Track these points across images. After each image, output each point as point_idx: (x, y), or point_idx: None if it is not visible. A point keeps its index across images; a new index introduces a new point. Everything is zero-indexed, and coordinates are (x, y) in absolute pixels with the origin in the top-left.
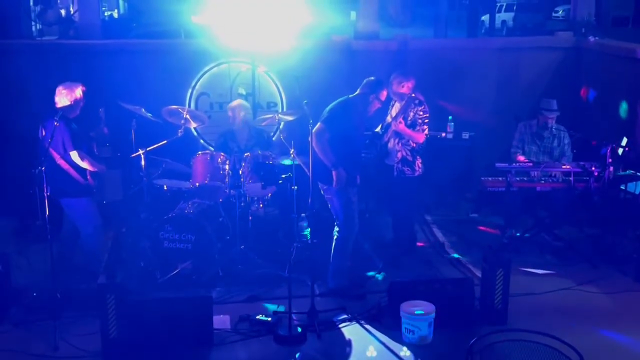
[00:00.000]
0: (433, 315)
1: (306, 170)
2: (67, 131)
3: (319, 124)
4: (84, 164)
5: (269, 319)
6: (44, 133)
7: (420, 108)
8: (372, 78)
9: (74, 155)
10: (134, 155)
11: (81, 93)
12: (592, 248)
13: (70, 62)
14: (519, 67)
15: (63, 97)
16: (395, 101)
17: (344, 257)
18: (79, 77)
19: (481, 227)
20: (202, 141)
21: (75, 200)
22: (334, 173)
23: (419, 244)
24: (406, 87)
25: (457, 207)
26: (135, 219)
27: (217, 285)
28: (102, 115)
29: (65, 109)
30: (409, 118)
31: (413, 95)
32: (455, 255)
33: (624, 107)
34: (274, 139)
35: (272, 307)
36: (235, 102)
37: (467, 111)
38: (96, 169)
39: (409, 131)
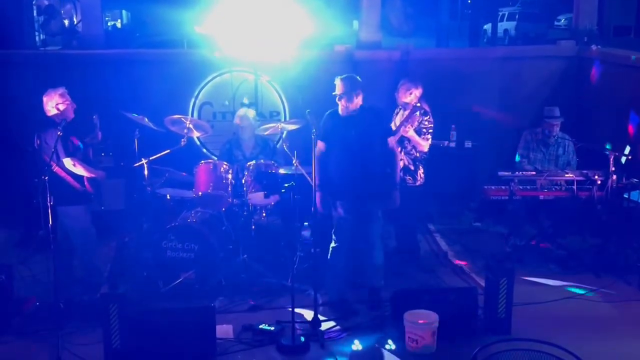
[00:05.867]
0: (436, 324)
1: (309, 179)
2: (59, 139)
3: (318, 141)
4: (78, 170)
5: (272, 328)
6: (38, 142)
7: (425, 118)
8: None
9: (67, 162)
10: (137, 164)
11: (61, 97)
12: (595, 257)
13: (73, 72)
14: (521, 76)
15: (47, 106)
16: (400, 109)
17: (339, 265)
18: (82, 86)
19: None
20: (205, 150)
21: (70, 208)
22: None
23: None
24: (414, 95)
25: (460, 216)
26: (138, 229)
27: (220, 295)
28: (97, 122)
29: (57, 116)
30: (413, 127)
31: (419, 104)
32: (459, 264)
33: (626, 116)
34: (277, 147)
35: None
36: (243, 110)
37: (469, 120)
38: (93, 175)
39: (416, 137)
